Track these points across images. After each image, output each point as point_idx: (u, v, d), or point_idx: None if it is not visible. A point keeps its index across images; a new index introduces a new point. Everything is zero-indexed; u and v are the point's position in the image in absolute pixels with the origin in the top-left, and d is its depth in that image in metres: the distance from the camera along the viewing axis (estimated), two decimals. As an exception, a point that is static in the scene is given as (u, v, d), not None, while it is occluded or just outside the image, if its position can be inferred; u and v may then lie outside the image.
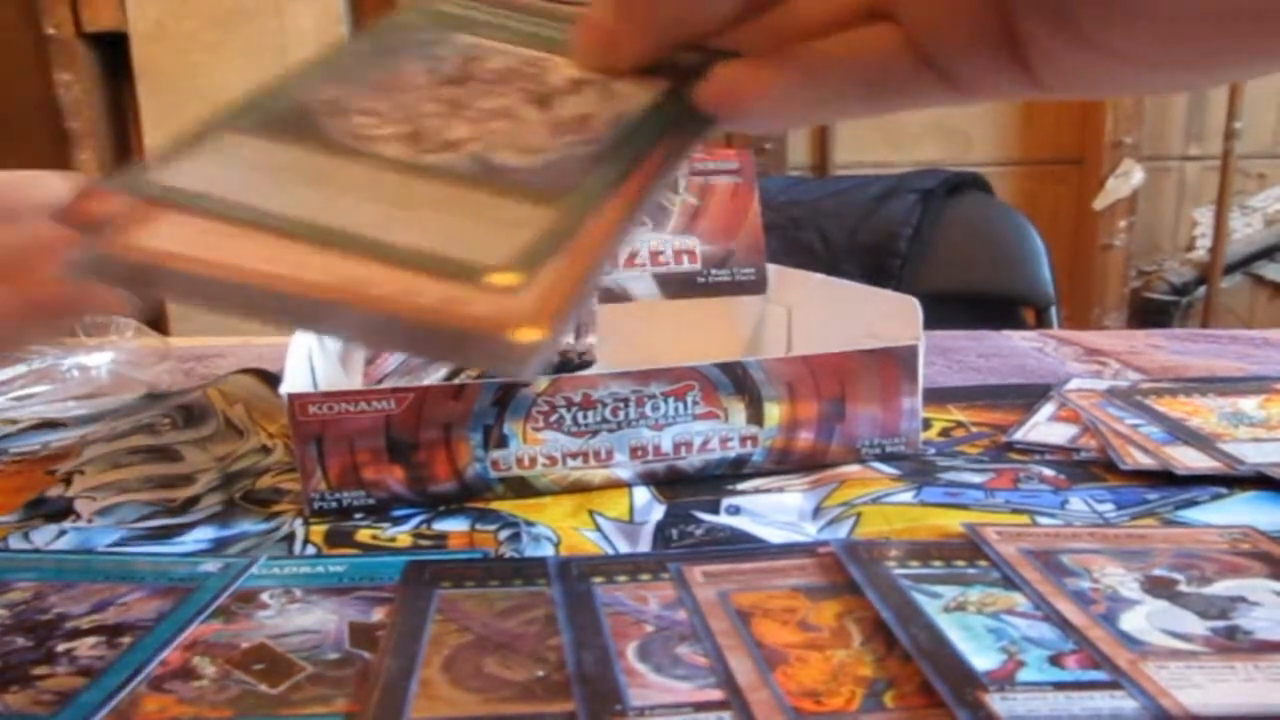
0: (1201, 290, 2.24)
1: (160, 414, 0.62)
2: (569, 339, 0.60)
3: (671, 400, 0.49)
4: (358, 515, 0.47)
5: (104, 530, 0.47)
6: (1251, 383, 0.65)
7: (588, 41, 0.27)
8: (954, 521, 0.44)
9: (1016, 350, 0.79)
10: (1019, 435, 0.56)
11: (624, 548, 0.44)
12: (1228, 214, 2.17)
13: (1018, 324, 1.50)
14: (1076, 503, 0.47)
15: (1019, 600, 0.37)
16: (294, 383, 0.48)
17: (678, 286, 0.66)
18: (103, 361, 0.73)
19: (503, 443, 0.48)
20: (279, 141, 0.24)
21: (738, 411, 0.51)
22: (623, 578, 0.40)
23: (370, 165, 0.24)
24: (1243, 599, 0.37)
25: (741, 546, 0.43)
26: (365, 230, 0.21)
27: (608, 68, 0.27)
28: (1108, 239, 2.15)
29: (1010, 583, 0.38)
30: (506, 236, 0.21)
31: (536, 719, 0.31)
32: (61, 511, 0.49)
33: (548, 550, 0.43)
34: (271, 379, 0.66)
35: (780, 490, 0.50)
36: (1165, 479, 0.49)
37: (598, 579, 0.40)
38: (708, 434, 0.50)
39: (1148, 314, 2.24)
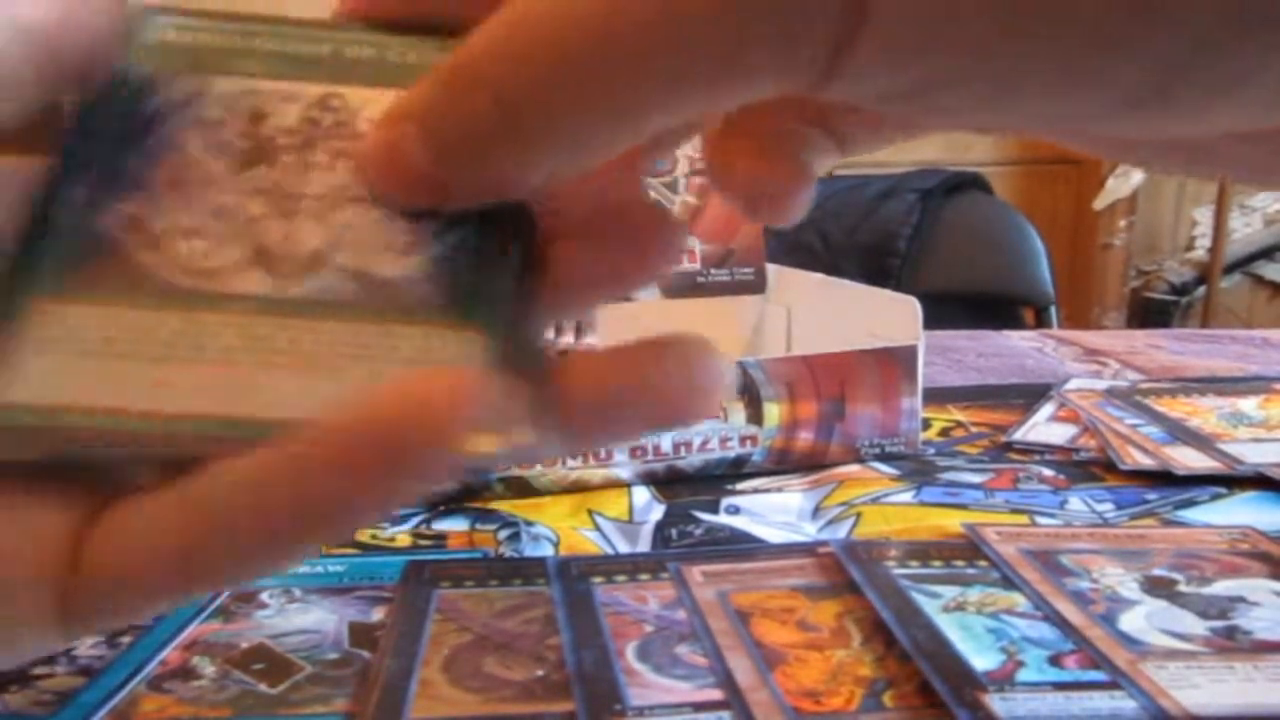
0: (1201, 290, 2.24)
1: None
2: (569, 339, 0.60)
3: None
4: (357, 515, 0.47)
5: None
6: (1251, 383, 0.65)
7: (385, 172, 0.21)
8: (953, 521, 0.44)
9: (1016, 350, 0.79)
10: (1018, 435, 0.56)
11: (623, 547, 0.44)
12: (1227, 214, 2.17)
13: (1017, 324, 1.50)
14: (1076, 503, 0.47)
15: (1018, 600, 0.37)
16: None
17: (677, 286, 0.66)
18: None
19: (502, 442, 0.48)
20: (111, 304, 0.20)
21: (737, 411, 0.51)
22: (622, 577, 0.40)
23: (240, 314, 0.20)
24: (1242, 599, 0.37)
25: (741, 546, 0.44)
26: (295, 412, 0.19)
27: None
28: (1107, 239, 2.16)
29: (1010, 583, 0.38)
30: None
31: (536, 719, 0.31)
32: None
33: (547, 550, 0.43)
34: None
35: (780, 490, 0.50)
36: (1165, 479, 0.49)
37: (597, 579, 0.40)
38: (707, 434, 0.50)
39: (1147, 314, 2.25)
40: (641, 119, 0.19)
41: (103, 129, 0.22)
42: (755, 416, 0.51)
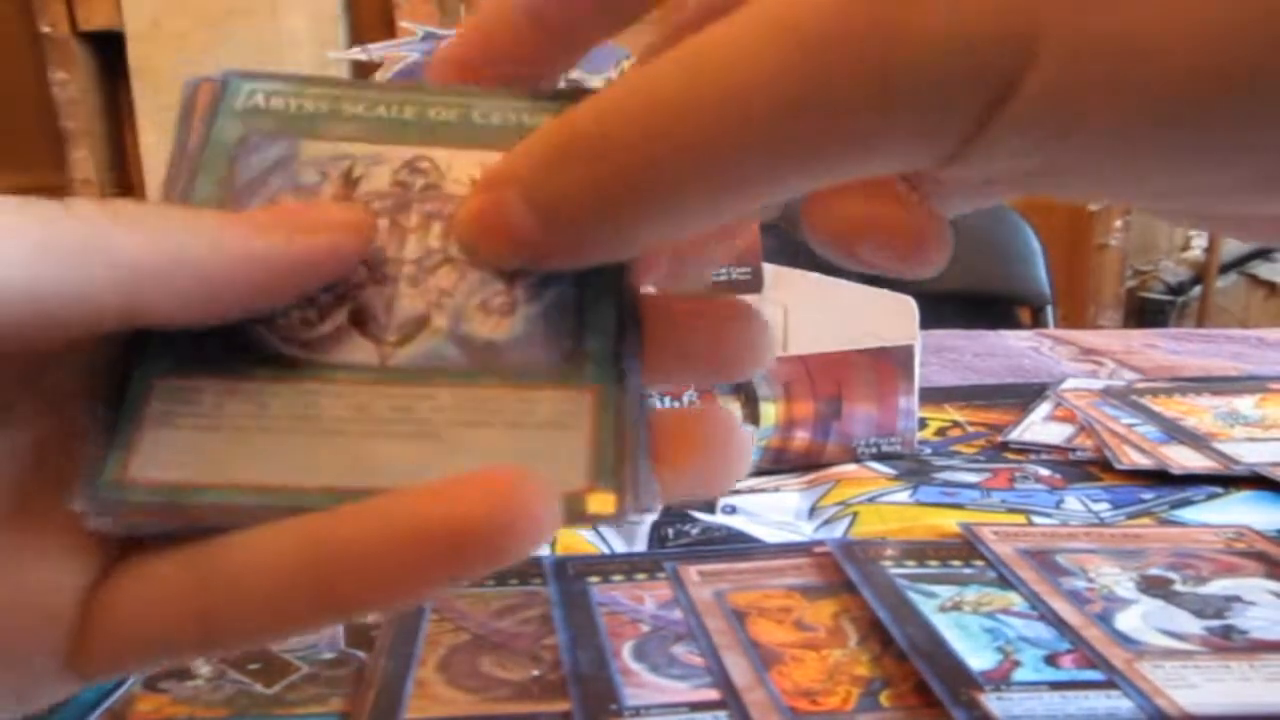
0: (1197, 289, 2.24)
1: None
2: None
3: (667, 400, 0.49)
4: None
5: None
6: (1247, 382, 0.65)
7: (486, 233, 0.20)
8: (950, 521, 0.44)
9: (1012, 350, 0.79)
10: (1015, 435, 0.56)
11: (620, 547, 0.44)
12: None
13: (1014, 323, 1.50)
14: (1072, 502, 0.47)
15: (1015, 600, 0.37)
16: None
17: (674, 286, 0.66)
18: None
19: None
20: (226, 377, 0.20)
21: (734, 411, 0.50)
22: (619, 577, 0.40)
23: (349, 383, 0.20)
24: (1238, 598, 0.37)
25: (737, 546, 0.43)
26: (407, 482, 0.19)
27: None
28: (1104, 238, 2.16)
29: (1006, 582, 0.38)
30: (563, 447, 0.19)
31: (532, 719, 0.31)
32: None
33: (543, 549, 0.43)
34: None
35: (776, 490, 0.50)
36: (1161, 478, 0.49)
37: (594, 578, 0.40)
38: (704, 433, 0.50)
39: (1144, 313, 2.25)
40: (760, 194, 0.18)
41: (203, 195, 0.22)
42: (752, 416, 0.51)
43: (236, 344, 0.20)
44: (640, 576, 0.40)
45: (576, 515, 0.19)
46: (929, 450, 0.55)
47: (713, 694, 0.32)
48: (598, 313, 0.21)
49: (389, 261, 0.21)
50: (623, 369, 0.20)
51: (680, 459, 0.20)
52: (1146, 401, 0.60)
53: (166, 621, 0.18)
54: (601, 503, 0.19)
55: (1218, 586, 0.38)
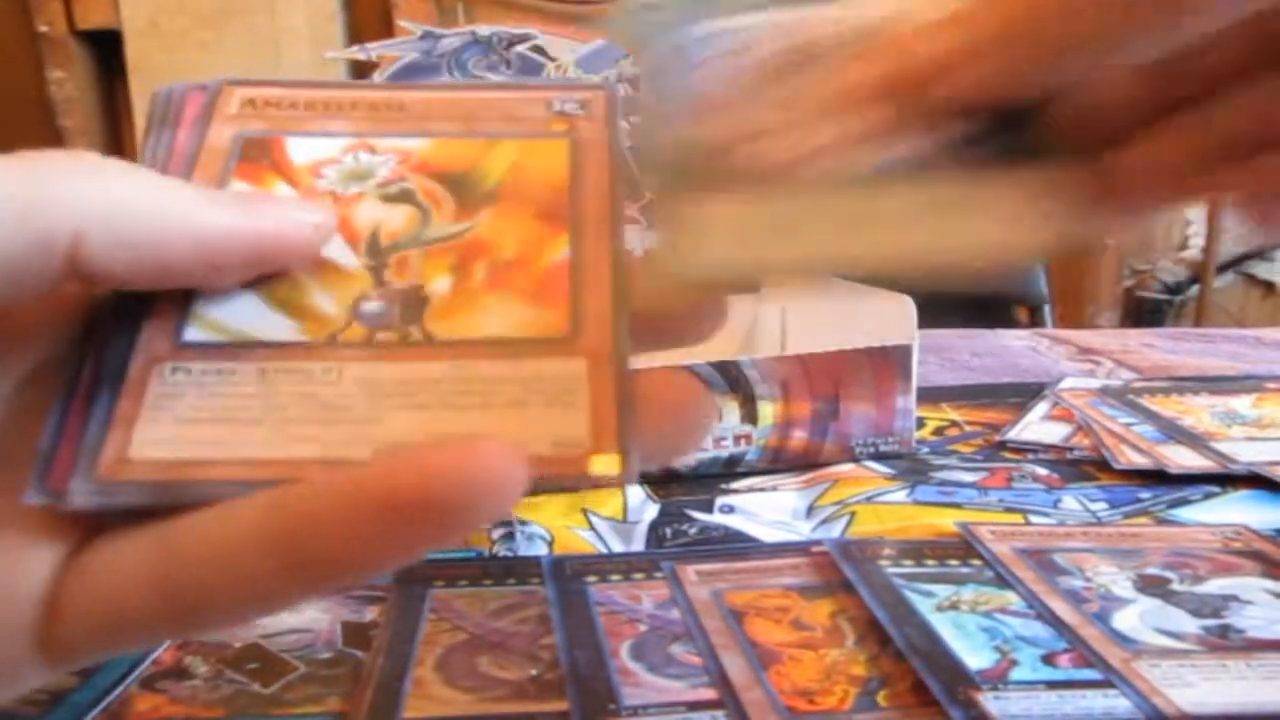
0: (1195, 289, 2.24)
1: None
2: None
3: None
4: (351, 514, 0.47)
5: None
6: (1244, 382, 0.65)
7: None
8: (947, 520, 0.44)
9: (1010, 349, 0.79)
10: (1012, 434, 0.56)
11: (618, 547, 0.44)
12: (1221, 212, 2.18)
13: (1011, 323, 1.50)
14: (1070, 501, 0.47)
15: (1012, 599, 0.37)
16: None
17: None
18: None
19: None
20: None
21: (731, 410, 0.50)
22: (616, 577, 0.40)
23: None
24: (1235, 598, 0.37)
25: (735, 545, 0.43)
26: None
27: None
28: (1101, 238, 2.15)
29: (1003, 581, 0.38)
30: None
31: (529, 718, 0.31)
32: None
33: (541, 549, 0.43)
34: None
35: (774, 489, 0.49)
36: (1158, 478, 0.49)
37: (591, 578, 0.40)
38: (701, 433, 0.50)
39: (1141, 313, 2.25)
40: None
41: None
42: (749, 415, 0.51)
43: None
44: (638, 576, 0.40)
45: (582, 477, 0.19)
46: (926, 450, 0.55)
47: (710, 693, 0.32)
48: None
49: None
50: (624, 332, 0.21)
51: (651, 424, 0.20)
52: (1144, 401, 0.60)
53: (134, 602, 0.18)
54: (607, 464, 0.19)
55: (1215, 586, 0.38)
